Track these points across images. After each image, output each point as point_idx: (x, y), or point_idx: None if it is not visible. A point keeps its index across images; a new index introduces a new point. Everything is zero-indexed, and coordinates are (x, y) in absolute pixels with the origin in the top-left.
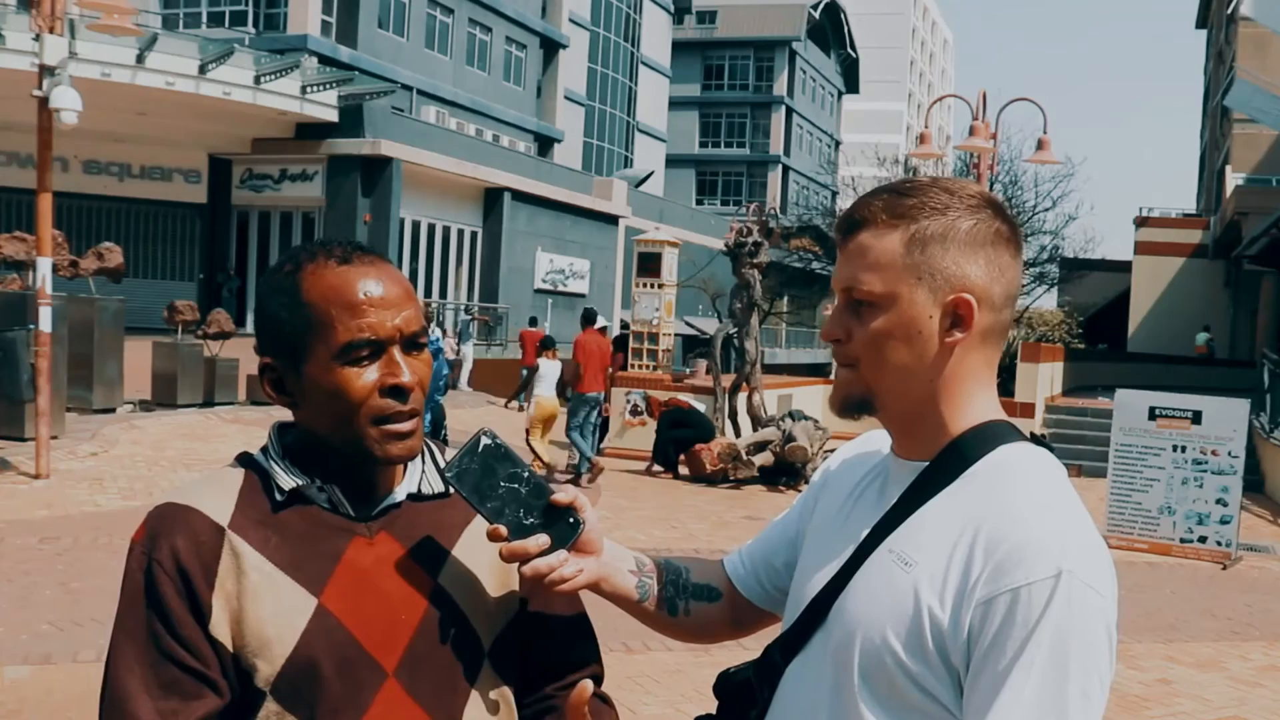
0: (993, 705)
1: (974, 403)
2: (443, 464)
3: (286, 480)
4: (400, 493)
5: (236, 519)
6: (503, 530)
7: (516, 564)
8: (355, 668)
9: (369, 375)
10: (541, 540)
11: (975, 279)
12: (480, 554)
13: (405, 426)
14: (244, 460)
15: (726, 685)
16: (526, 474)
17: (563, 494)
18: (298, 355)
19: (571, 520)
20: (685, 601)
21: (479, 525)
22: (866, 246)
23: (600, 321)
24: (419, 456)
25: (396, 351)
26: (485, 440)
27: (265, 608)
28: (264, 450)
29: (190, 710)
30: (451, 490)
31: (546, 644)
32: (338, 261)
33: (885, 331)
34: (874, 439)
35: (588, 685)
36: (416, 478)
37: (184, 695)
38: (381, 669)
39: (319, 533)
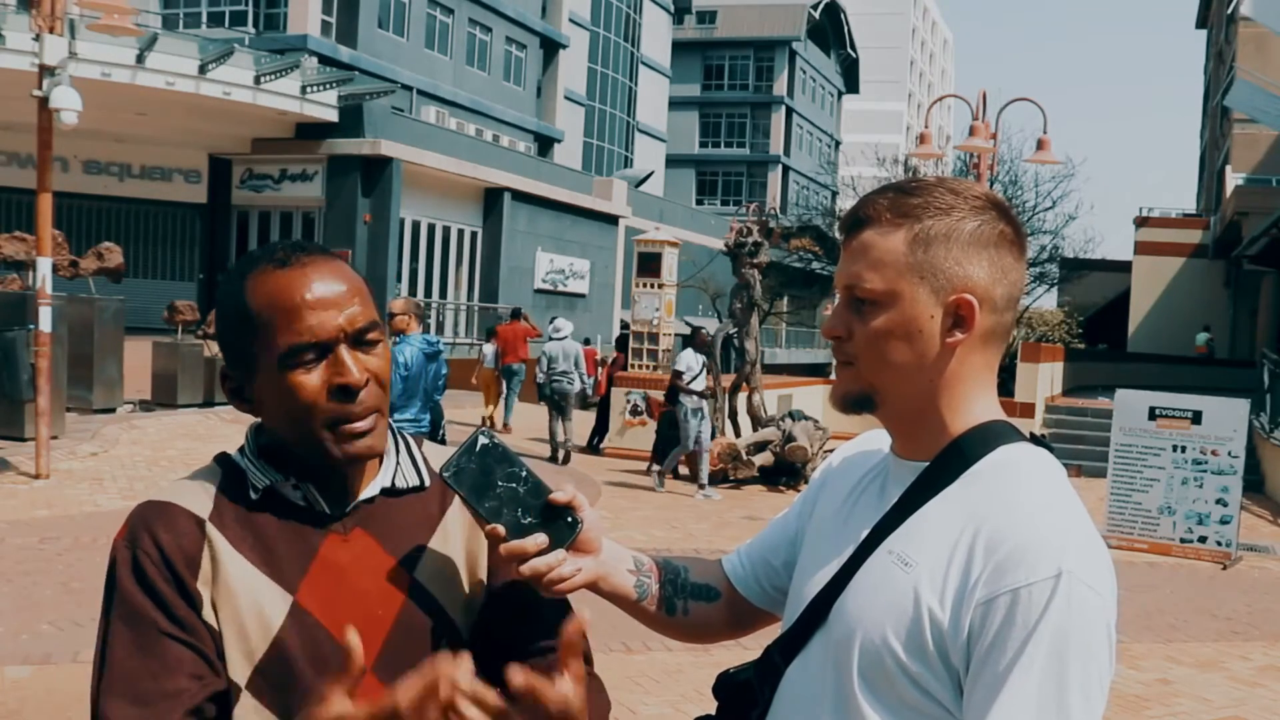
0: (993, 706)
1: (974, 403)
2: (418, 456)
3: (261, 478)
4: (374, 488)
5: (215, 516)
6: (500, 530)
7: (514, 562)
8: (332, 664)
9: (315, 378)
10: (540, 539)
11: (978, 280)
12: (456, 547)
13: (361, 425)
14: (221, 460)
15: (726, 686)
16: (524, 473)
17: (561, 493)
18: (248, 364)
19: (570, 519)
20: (684, 601)
21: (453, 518)
22: (870, 244)
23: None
24: (394, 450)
25: (344, 351)
26: (483, 440)
27: (243, 604)
28: (240, 450)
29: (194, 690)
30: (427, 483)
31: (529, 628)
32: (275, 265)
33: (886, 330)
34: (874, 438)
35: (584, 617)
36: (391, 472)
37: (189, 674)
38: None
39: (294, 530)
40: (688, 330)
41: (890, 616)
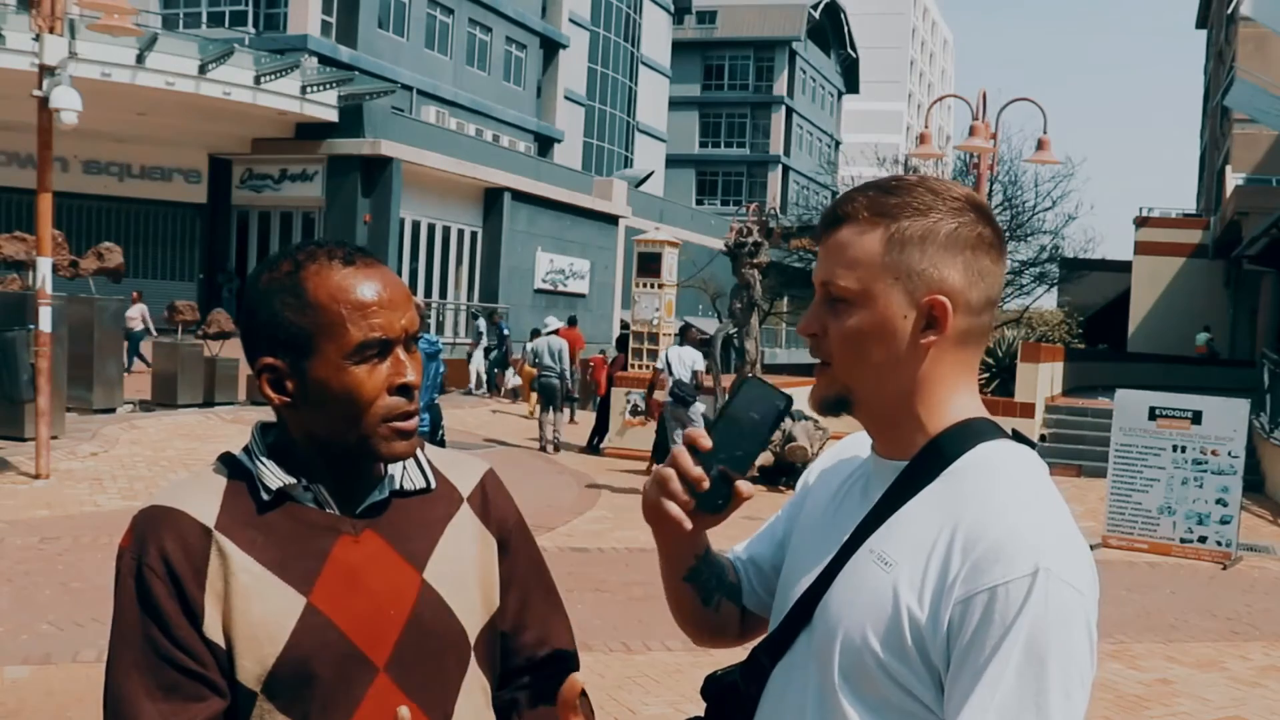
0: (973, 704)
1: (952, 402)
2: (422, 459)
3: (273, 479)
4: (383, 489)
5: (222, 520)
6: (706, 442)
7: (680, 459)
8: (346, 664)
9: (379, 374)
10: (704, 479)
11: (953, 282)
12: (464, 548)
13: (411, 424)
14: (227, 461)
15: (714, 687)
16: (755, 448)
17: (745, 486)
18: (302, 355)
19: (722, 501)
20: (720, 597)
21: (462, 521)
22: (846, 243)
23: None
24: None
25: (401, 351)
26: (781, 406)
27: (254, 608)
28: (247, 450)
29: (192, 712)
30: (433, 485)
31: (525, 636)
32: (342, 262)
33: (859, 330)
34: (860, 440)
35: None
36: (399, 474)
37: (186, 698)
38: (372, 665)
39: (305, 532)
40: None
41: (870, 616)
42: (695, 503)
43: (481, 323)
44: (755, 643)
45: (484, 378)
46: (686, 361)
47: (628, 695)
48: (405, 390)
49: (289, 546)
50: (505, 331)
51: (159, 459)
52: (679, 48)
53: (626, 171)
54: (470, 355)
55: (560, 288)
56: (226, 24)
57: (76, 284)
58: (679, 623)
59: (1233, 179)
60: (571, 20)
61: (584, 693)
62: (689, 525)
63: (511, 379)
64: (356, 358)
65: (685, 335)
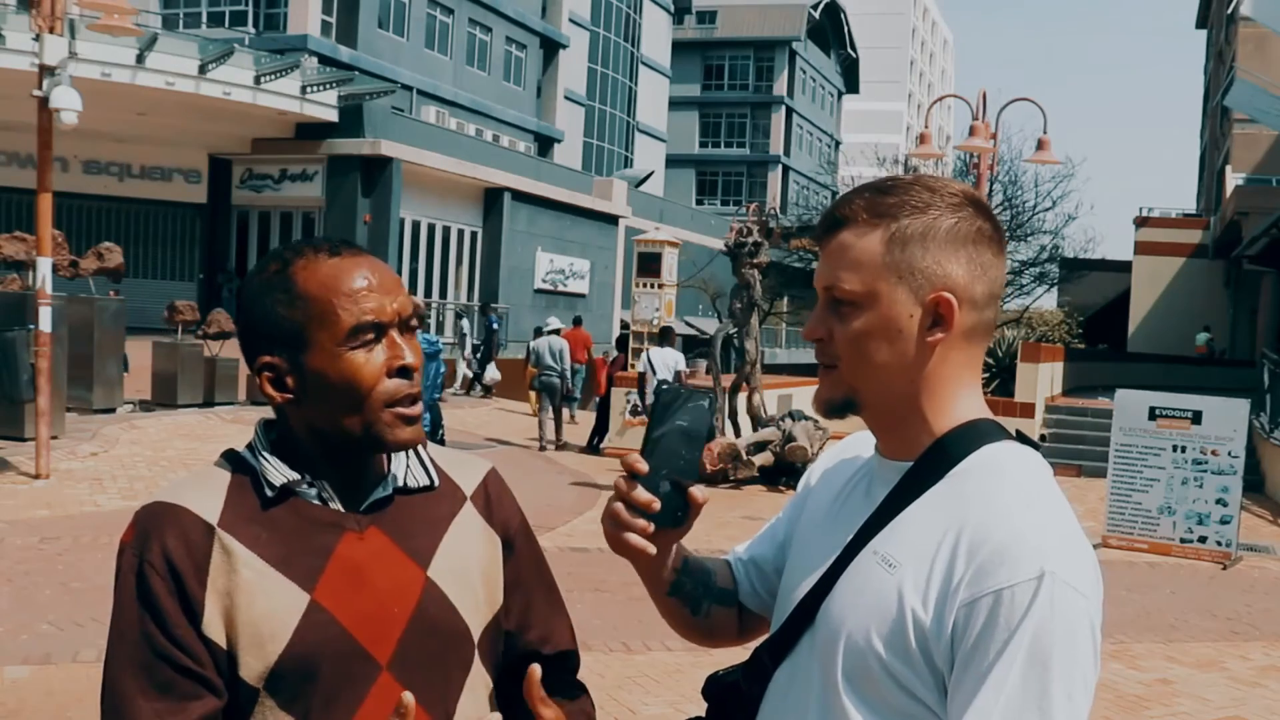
0: (975, 707)
1: (958, 402)
2: (425, 457)
3: (277, 476)
4: (387, 486)
5: (226, 517)
6: (643, 467)
7: (623, 497)
8: (349, 661)
9: (376, 358)
10: (654, 502)
11: (956, 278)
12: (468, 546)
13: (414, 410)
14: (230, 458)
15: (715, 687)
16: (695, 455)
17: (699, 491)
18: (298, 348)
19: (680, 514)
20: (709, 604)
21: (465, 519)
22: (847, 245)
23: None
24: (404, 450)
25: (396, 334)
26: (702, 403)
27: (258, 605)
28: (250, 447)
29: (188, 711)
30: (436, 483)
31: (529, 636)
32: (328, 254)
33: (865, 331)
34: (862, 440)
35: (536, 669)
36: (402, 471)
37: (181, 696)
38: (375, 662)
39: (309, 528)
40: (689, 331)
41: (874, 618)
42: (654, 524)
43: (465, 323)
44: (757, 643)
45: (469, 376)
46: (669, 363)
47: (628, 695)
48: (405, 372)
49: (293, 543)
50: (495, 325)
51: (159, 459)
52: (679, 48)
53: (626, 171)
54: (463, 355)
55: (560, 288)
56: (226, 24)
57: (76, 284)
58: (674, 630)
59: (1233, 179)
60: (571, 20)
61: (585, 690)
62: (653, 550)
63: (491, 374)
64: (352, 343)
65: (665, 337)
